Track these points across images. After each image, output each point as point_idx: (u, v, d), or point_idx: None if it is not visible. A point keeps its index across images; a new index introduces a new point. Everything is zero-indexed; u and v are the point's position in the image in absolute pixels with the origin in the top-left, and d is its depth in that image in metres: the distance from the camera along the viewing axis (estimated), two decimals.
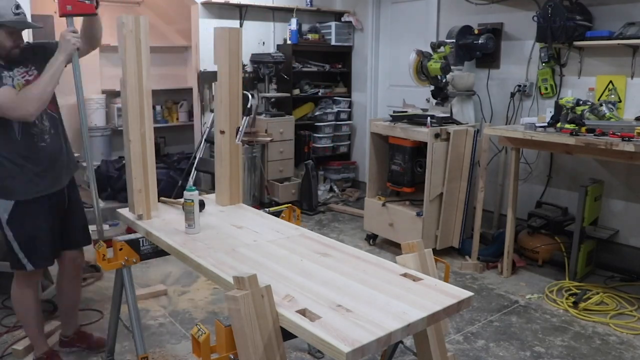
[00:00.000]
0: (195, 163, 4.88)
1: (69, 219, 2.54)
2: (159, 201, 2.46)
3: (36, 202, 2.34)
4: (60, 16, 2.15)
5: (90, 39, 2.44)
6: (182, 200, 2.25)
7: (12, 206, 2.29)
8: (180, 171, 5.22)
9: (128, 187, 2.34)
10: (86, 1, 2.13)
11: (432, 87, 4.18)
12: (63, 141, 2.47)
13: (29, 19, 2.28)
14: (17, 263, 2.36)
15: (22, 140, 2.27)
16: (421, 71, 4.09)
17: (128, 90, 2.24)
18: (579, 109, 3.41)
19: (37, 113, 2.21)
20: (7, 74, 2.24)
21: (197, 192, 2.16)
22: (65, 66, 2.28)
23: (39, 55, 2.34)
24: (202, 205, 2.53)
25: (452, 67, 4.11)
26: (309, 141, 5.60)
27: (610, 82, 3.70)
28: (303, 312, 1.48)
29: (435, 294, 1.62)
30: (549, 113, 3.84)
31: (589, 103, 3.45)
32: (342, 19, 5.80)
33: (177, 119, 6.29)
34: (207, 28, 5.11)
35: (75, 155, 2.69)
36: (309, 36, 5.66)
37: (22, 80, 2.27)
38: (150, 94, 2.31)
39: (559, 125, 3.38)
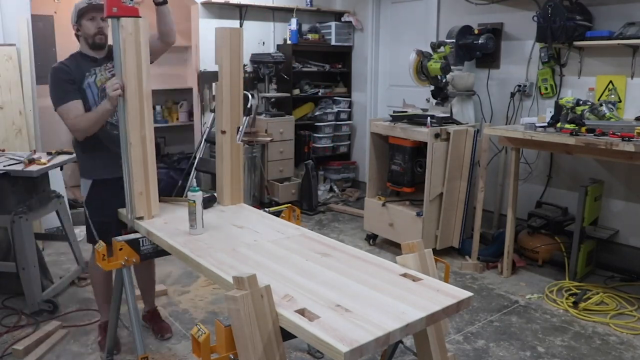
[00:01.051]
0: (196, 163, 4.89)
1: None
2: (160, 201, 2.47)
3: (110, 183, 2.52)
4: (106, 17, 2.25)
5: (164, 36, 2.63)
6: (184, 197, 2.26)
7: (89, 185, 2.57)
8: (180, 171, 5.22)
9: (127, 190, 2.33)
10: (129, 4, 2.21)
11: (432, 87, 4.18)
12: None
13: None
14: (92, 239, 2.59)
15: (103, 127, 2.50)
16: (421, 71, 4.09)
17: (128, 93, 2.24)
18: (579, 109, 3.41)
19: (80, 138, 2.51)
20: (93, 71, 2.52)
21: (200, 192, 2.16)
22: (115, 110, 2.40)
23: None
24: (213, 200, 2.56)
25: (452, 67, 4.11)
26: (309, 141, 5.61)
27: (610, 82, 3.70)
28: (302, 312, 1.48)
29: (435, 294, 1.62)
30: (549, 113, 3.84)
31: (589, 103, 3.45)
32: (342, 19, 5.80)
33: (177, 119, 6.29)
34: (207, 28, 5.11)
35: None
36: (309, 36, 5.67)
37: (109, 74, 2.53)
38: (150, 97, 2.32)
39: (559, 125, 3.38)
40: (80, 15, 2.48)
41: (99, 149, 2.54)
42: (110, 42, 2.43)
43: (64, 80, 2.46)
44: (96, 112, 2.43)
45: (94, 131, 2.47)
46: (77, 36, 2.57)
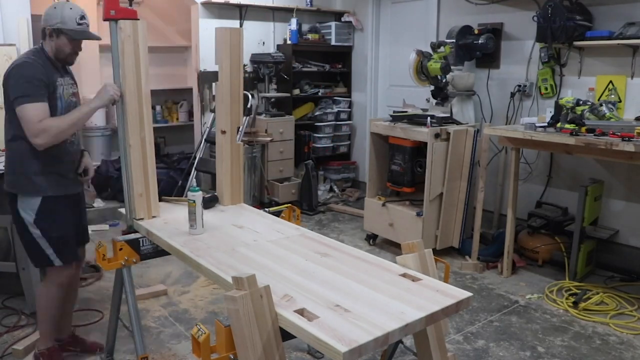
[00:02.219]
0: (195, 163, 4.89)
1: (81, 217, 2.63)
2: (160, 201, 2.47)
3: (63, 199, 2.40)
4: (104, 20, 2.21)
5: None
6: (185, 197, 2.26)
7: (39, 203, 2.32)
8: (180, 171, 5.23)
9: (126, 191, 2.33)
10: (129, 7, 2.19)
11: (432, 87, 4.18)
12: (79, 144, 2.60)
13: (88, 29, 2.40)
14: (45, 260, 2.39)
15: (60, 144, 2.32)
16: (421, 71, 4.09)
17: (127, 94, 2.24)
18: (579, 109, 3.41)
19: (43, 146, 2.22)
20: (60, 81, 2.35)
21: (200, 192, 2.16)
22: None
23: (72, 76, 2.51)
24: (215, 200, 2.56)
25: (452, 67, 4.11)
26: (309, 141, 5.60)
27: (610, 82, 3.70)
28: (301, 312, 1.49)
29: (434, 294, 1.62)
30: (549, 113, 3.84)
31: (589, 103, 3.45)
32: (342, 19, 5.80)
33: (177, 119, 6.30)
34: (207, 28, 5.11)
35: None
36: (309, 36, 5.67)
37: (71, 90, 2.42)
38: (149, 98, 2.32)
39: (559, 125, 3.38)
40: (67, 32, 2.28)
41: (55, 164, 2.35)
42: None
43: (38, 78, 2.21)
44: (74, 114, 2.27)
45: (62, 139, 2.28)
46: (45, 36, 2.32)
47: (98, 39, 2.49)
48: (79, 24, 2.31)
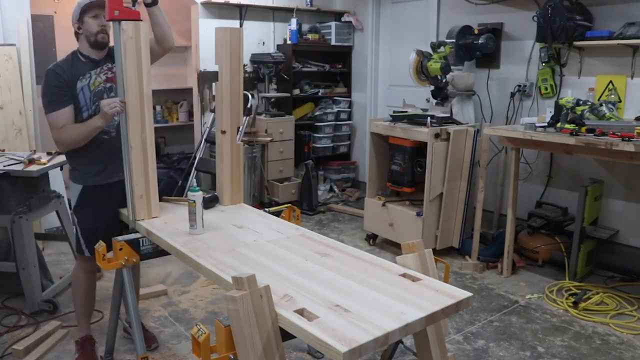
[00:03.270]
0: (195, 163, 4.89)
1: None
2: (160, 201, 2.47)
3: (99, 190, 2.48)
4: (107, 20, 2.24)
5: (160, 40, 2.54)
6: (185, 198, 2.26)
7: (80, 191, 2.49)
8: (180, 171, 5.23)
9: (128, 194, 2.34)
10: (132, 7, 2.22)
11: (432, 87, 4.18)
12: (116, 133, 2.56)
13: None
14: (78, 247, 2.55)
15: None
16: (421, 71, 4.09)
17: (128, 96, 2.24)
18: (579, 109, 3.41)
19: (62, 149, 2.48)
20: (89, 74, 2.43)
21: (200, 192, 2.16)
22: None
23: None
24: (215, 200, 2.57)
25: (452, 67, 4.11)
26: (309, 141, 5.60)
27: (610, 82, 3.70)
28: (301, 312, 1.49)
29: (434, 294, 1.62)
30: (549, 113, 3.84)
31: (589, 103, 3.45)
32: (342, 19, 5.80)
33: (177, 119, 6.29)
34: (207, 28, 5.11)
35: None
36: (309, 36, 5.67)
37: (103, 77, 2.47)
38: (151, 100, 2.32)
39: (559, 125, 3.38)
40: (83, 11, 2.39)
41: (91, 155, 2.45)
42: (111, 42, 2.39)
43: (56, 86, 2.36)
44: (86, 126, 2.36)
45: (79, 146, 2.39)
46: (77, 35, 2.47)
47: None
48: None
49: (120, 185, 2.44)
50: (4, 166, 2.95)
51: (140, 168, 2.32)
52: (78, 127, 2.38)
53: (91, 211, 2.48)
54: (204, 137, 5.00)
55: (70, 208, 2.59)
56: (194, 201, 2.13)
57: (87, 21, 2.40)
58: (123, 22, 2.18)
